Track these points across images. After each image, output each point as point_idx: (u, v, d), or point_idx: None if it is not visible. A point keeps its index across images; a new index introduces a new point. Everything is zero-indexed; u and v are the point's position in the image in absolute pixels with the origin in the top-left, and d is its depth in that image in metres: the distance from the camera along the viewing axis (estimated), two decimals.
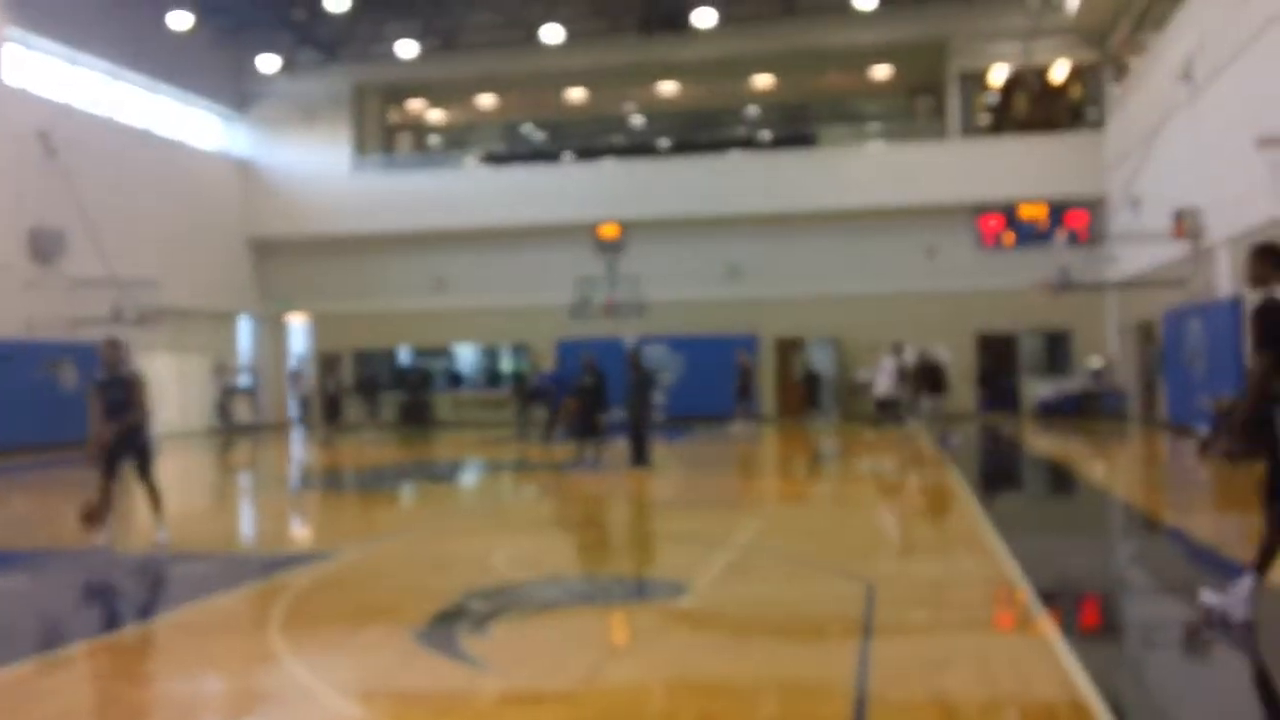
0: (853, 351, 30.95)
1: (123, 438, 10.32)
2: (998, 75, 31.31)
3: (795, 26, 31.04)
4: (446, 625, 6.84)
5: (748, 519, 11.89)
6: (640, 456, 16.71)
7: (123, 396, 10.29)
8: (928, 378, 23.85)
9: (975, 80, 31.49)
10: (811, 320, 31.11)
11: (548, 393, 23.60)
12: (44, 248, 25.27)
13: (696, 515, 12.45)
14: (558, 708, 5.29)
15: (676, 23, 30.42)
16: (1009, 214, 29.97)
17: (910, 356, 25.11)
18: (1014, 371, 30.35)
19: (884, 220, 30.56)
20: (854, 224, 30.74)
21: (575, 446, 18.16)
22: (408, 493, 16.02)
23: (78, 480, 14.66)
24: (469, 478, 18.24)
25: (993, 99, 31.99)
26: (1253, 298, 6.70)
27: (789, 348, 31.46)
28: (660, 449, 19.21)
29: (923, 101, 34.15)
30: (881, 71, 34.22)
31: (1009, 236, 30.03)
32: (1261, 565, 6.49)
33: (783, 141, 34.17)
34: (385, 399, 33.47)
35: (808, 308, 31.00)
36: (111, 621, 7.91)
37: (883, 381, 25.12)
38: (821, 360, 31.61)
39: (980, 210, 30.33)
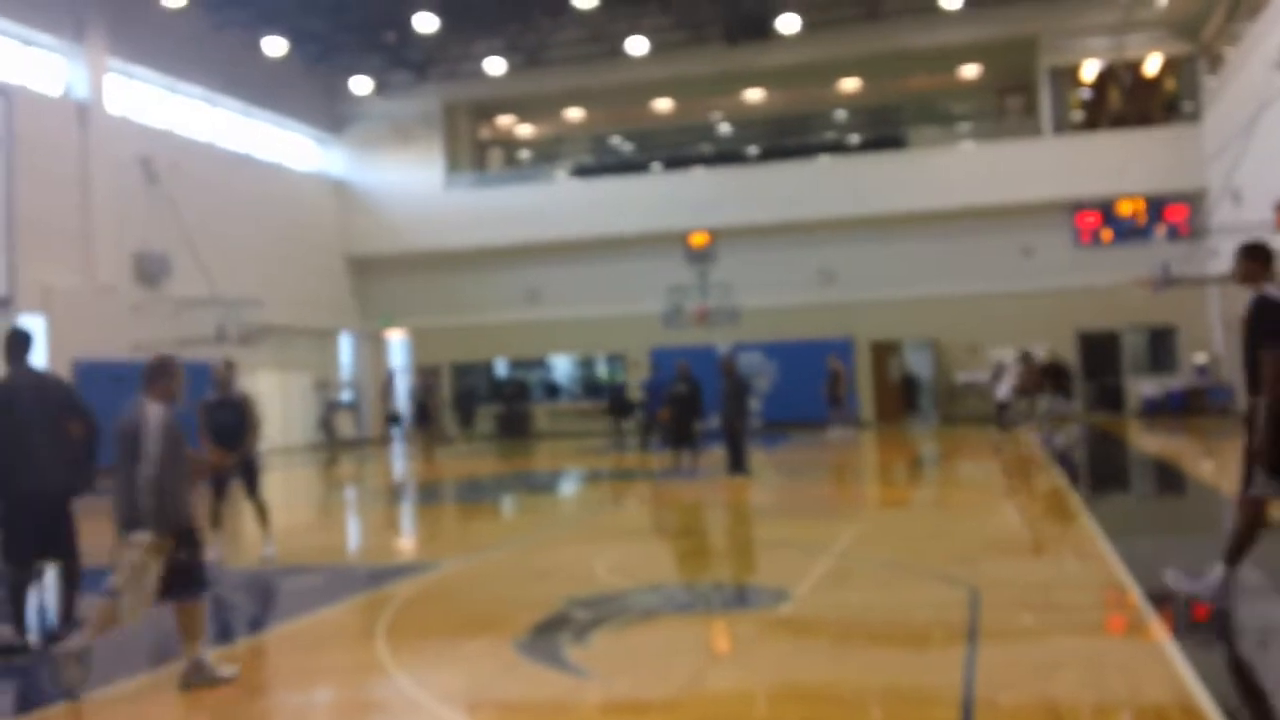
0: (951, 353, 30.54)
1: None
2: (1089, 70, 30.73)
3: (880, 29, 30.83)
4: (549, 634, 6.89)
5: (847, 525, 11.81)
6: (737, 464, 16.62)
7: (234, 419, 10.53)
8: (1054, 378, 23.37)
9: (1067, 76, 30.99)
10: (907, 323, 30.79)
11: (643, 401, 23.66)
12: (149, 271, 26.17)
13: (795, 522, 12.40)
14: (661, 715, 5.30)
15: (761, 30, 30.37)
16: (1106, 210, 29.37)
17: (1038, 355, 24.59)
18: (1117, 370, 29.65)
19: (977, 220, 30.14)
20: (947, 225, 30.38)
21: (671, 455, 18.18)
22: (508, 504, 16.19)
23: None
24: (568, 488, 18.37)
25: (1085, 94, 31.37)
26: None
27: (885, 351, 31.16)
28: (757, 456, 19.13)
29: (1013, 99, 33.65)
30: (970, 71, 33.84)
31: (1107, 233, 29.44)
32: (1233, 557, 6.69)
33: (871, 144, 33.91)
34: (483, 411, 33.91)
35: (902, 310, 30.69)
36: (224, 634, 8.04)
37: (1006, 385, 24.62)
38: (919, 363, 31.20)
39: (1077, 207, 29.79)
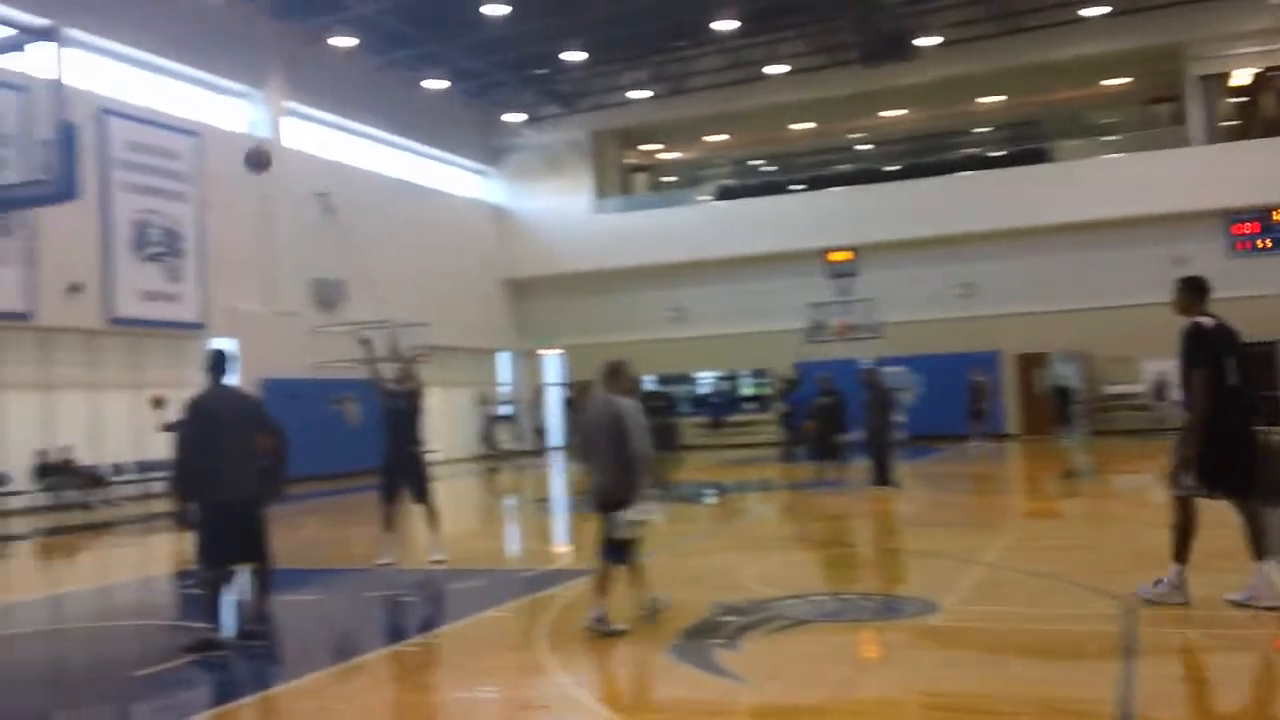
0: (1100, 365, 30.08)
1: (402, 463, 11.44)
2: (1240, 77, 29.88)
3: (1022, 42, 30.71)
4: (700, 639, 7.06)
5: (996, 536, 11.80)
6: (882, 476, 16.74)
7: (406, 407, 11.44)
8: None
9: (1216, 83, 30.35)
10: (1054, 335, 30.49)
11: (787, 414, 24.03)
12: (326, 296, 28.05)
13: (943, 533, 12.39)
14: None
15: (899, 50, 30.61)
16: (1264, 218, 28.55)
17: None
18: (1273, 381, 28.65)
19: (1125, 230, 29.75)
20: (1093, 236, 30.08)
21: (816, 467, 18.51)
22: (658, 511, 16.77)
23: (362, 506, 16.28)
24: (716, 498, 18.70)
25: (1236, 102, 30.51)
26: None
27: (1031, 364, 30.88)
28: (902, 469, 19.29)
29: (1161, 108, 32.95)
30: (1115, 81, 33.29)
31: (1265, 241, 28.58)
32: (1181, 553, 7.31)
33: (1015, 158, 33.62)
34: None
35: (1049, 322, 30.43)
36: (397, 634, 8.67)
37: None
38: (1068, 375, 30.81)
39: (1231, 216, 29.06)
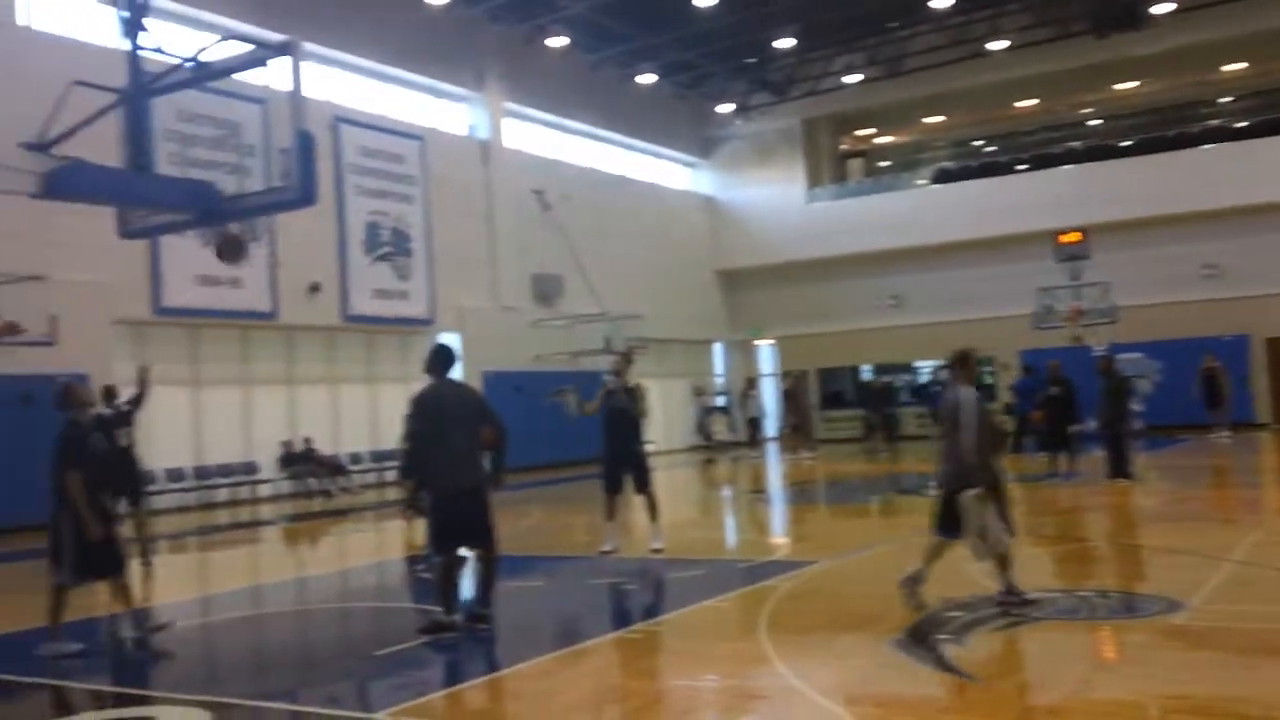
0: None
1: (623, 454, 11.61)
2: None
3: (1266, 5, 28.63)
4: (925, 634, 6.94)
5: (1245, 532, 11.17)
6: (1118, 467, 16.08)
7: (625, 403, 11.63)
8: None
9: None
10: None
11: (1013, 403, 23.24)
12: (545, 291, 28.84)
13: (1185, 528, 11.84)
14: None
15: (1132, 19, 29.10)
16: None
17: None
18: None
19: None
20: None
21: (1047, 458, 17.85)
22: (878, 505, 16.53)
23: (584, 495, 16.63)
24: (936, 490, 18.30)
25: None
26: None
27: None
28: (1140, 460, 18.39)
29: None
30: None
31: None
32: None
33: (1260, 128, 31.32)
34: (850, 415, 34.34)
35: None
36: (619, 620, 8.81)
37: None
38: None
39: None
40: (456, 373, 8.45)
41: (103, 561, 8.06)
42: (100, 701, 6.95)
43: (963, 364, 8.03)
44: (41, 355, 16.54)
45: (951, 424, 7.76)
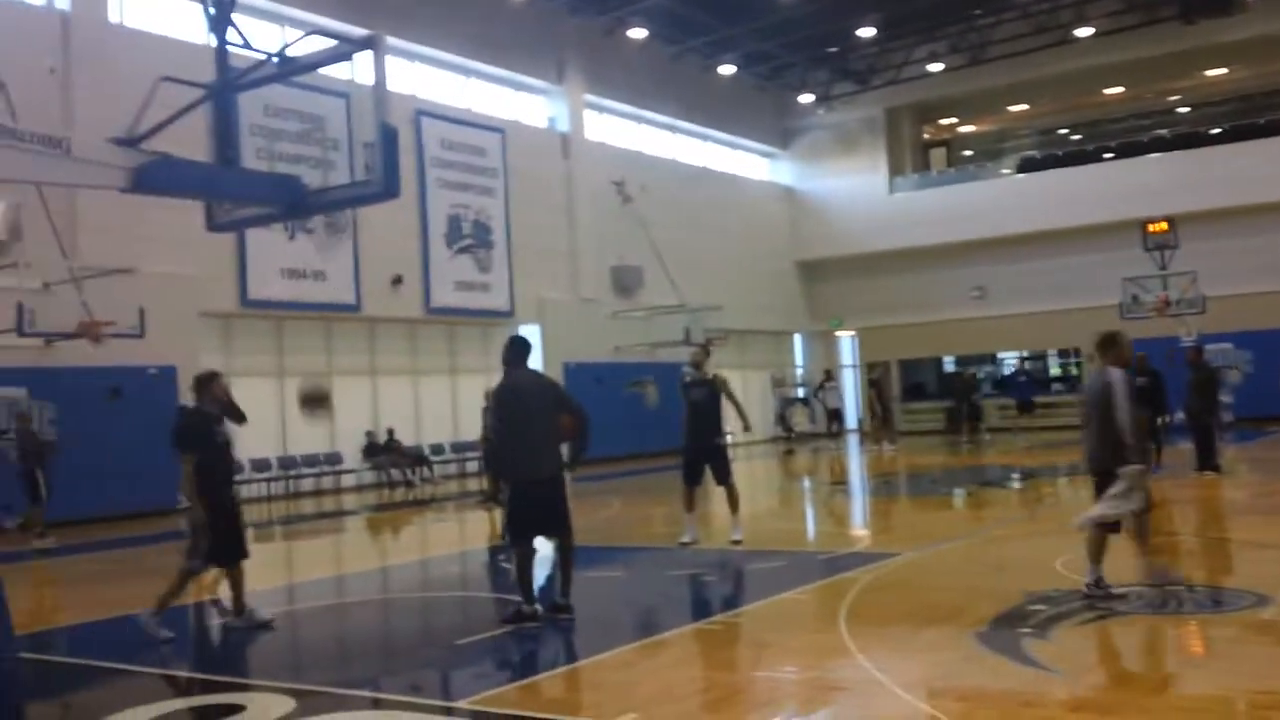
0: None
1: (702, 446, 11.57)
2: None
3: None
4: (1008, 627, 6.84)
5: None
6: (1206, 460, 15.79)
7: (705, 395, 11.54)
8: None
9: None
10: None
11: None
12: (625, 283, 28.93)
13: (1274, 522, 11.59)
14: (1133, 717, 5.12)
15: (1221, 2, 28.30)
16: None
17: None
18: None
19: None
20: None
21: None
22: (961, 497, 16.32)
23: (663, 486, 16.64)
24: (1022, 482, 18.02)
25: None
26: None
27: None
28: (1229, 452, 17.94)
29: None
30: None
31: None
32: None
33: None
34: (932, 407, 33.99)
35: None
36: (699, 612, 8.71)
37: None
38: None
39: None
40: (535, 364, 8.49)
41: (229, 549, 8.32)
42: (187, 688, 7.09)
43: (1109, 345, 8.02)
44: (130, 348, 16.99)
45: (1104, 406, 7.70)
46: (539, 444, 8.06)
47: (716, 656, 7.07)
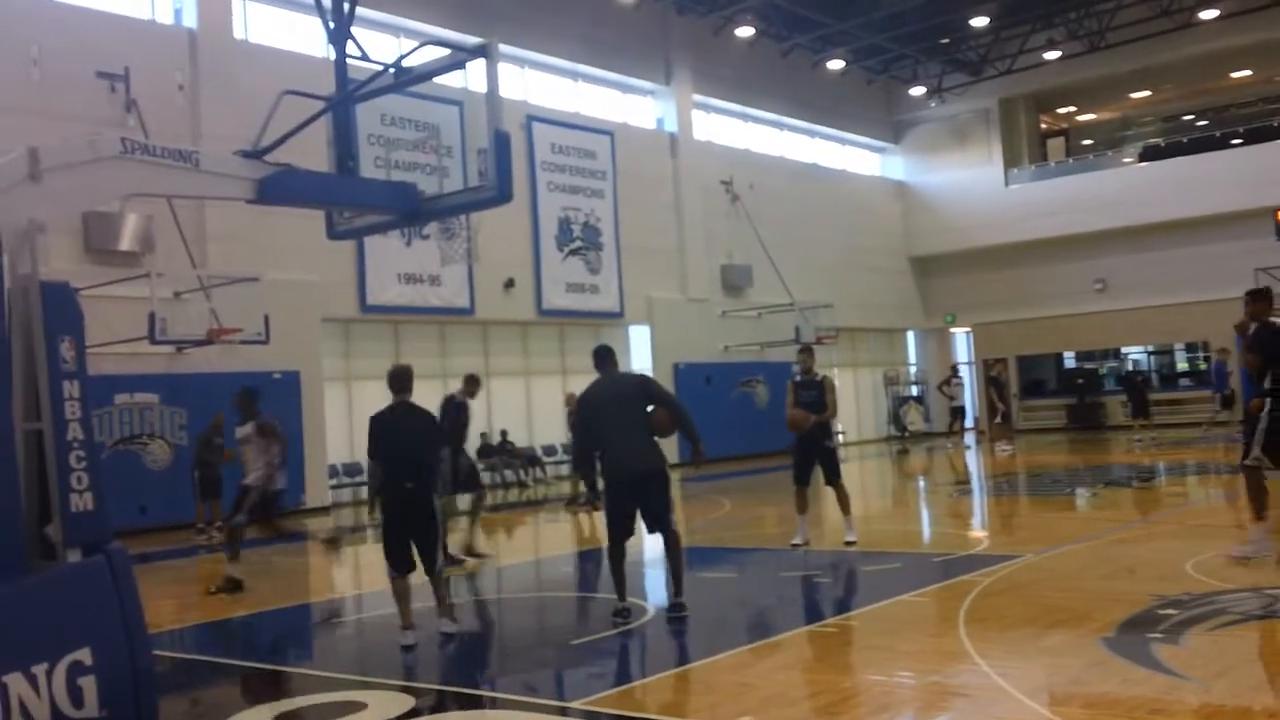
0: None
1: (812, 446, 11.50)
2: None
3: None
4: (1137, 632, 6.68)
5: None
6: None
7: (814, 396, 11.49)
8: None
9: None
10: None
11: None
12: (734, 282, 28.83)
13: None
14: None
15: None
16: None
17: None
18: None
19: None
20: None
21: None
22: (1086, 497, 15.90)
23: (774, 487, 16.54)
24: (1152, 481, 17.49)
25: None
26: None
27: None
28: None
29: None
30: None
31: None
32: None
33: None
34: (1051, 404, 33.21)
35: None
36: (812, 614, 8.66)
37: None
38: None
39: None
40: (644, 364, 8.61)
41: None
42: (306, 686, 7.25)
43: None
44: (256, 353, 17.51)
45: None
46: (625, 440, 8.16)
47: (831, 659, 7.01)
